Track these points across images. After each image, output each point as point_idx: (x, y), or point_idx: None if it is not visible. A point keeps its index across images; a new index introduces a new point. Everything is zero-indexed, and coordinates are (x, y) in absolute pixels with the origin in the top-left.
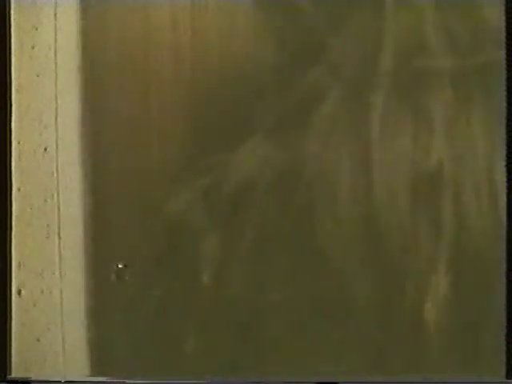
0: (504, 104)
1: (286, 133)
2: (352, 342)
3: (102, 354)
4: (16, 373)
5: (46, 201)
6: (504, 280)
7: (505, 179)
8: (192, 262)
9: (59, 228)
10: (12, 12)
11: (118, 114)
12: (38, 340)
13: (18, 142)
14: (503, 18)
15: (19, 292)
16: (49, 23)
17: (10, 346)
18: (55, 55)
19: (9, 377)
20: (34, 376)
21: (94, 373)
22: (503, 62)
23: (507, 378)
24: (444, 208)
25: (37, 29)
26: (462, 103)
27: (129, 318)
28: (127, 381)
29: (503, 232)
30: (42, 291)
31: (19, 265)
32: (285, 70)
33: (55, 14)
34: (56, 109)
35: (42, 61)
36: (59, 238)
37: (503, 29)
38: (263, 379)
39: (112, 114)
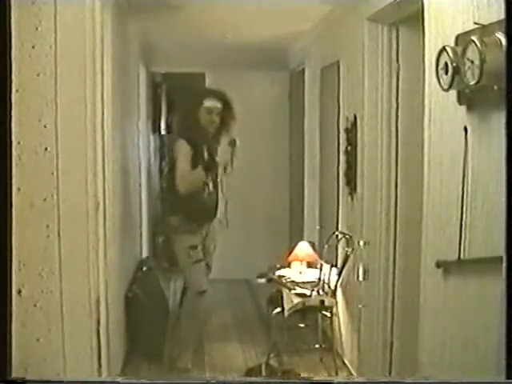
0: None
1: None
2: None
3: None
4: (16, 373)
5: (45, 200)
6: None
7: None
8: None
9: (59, 228)
10: (12, 12)
11: None
12: (38, 340)
13: (18, 142)
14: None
15: (19, 292)
16: (49, 23)
17: (10, 346)
18: (55, 55)
19: (9, 377)
20: (33, 376)
21: None
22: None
23: (507, 378)
24: None
25: (37, 28)
26: None
27: None
28: (125, 380)
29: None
30: (42, 291)
31: (19, 265)
32: None
33: (55, 14)
34: (56, 109)
35: (43, 60)
36: (59, 238)
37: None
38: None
39: None
